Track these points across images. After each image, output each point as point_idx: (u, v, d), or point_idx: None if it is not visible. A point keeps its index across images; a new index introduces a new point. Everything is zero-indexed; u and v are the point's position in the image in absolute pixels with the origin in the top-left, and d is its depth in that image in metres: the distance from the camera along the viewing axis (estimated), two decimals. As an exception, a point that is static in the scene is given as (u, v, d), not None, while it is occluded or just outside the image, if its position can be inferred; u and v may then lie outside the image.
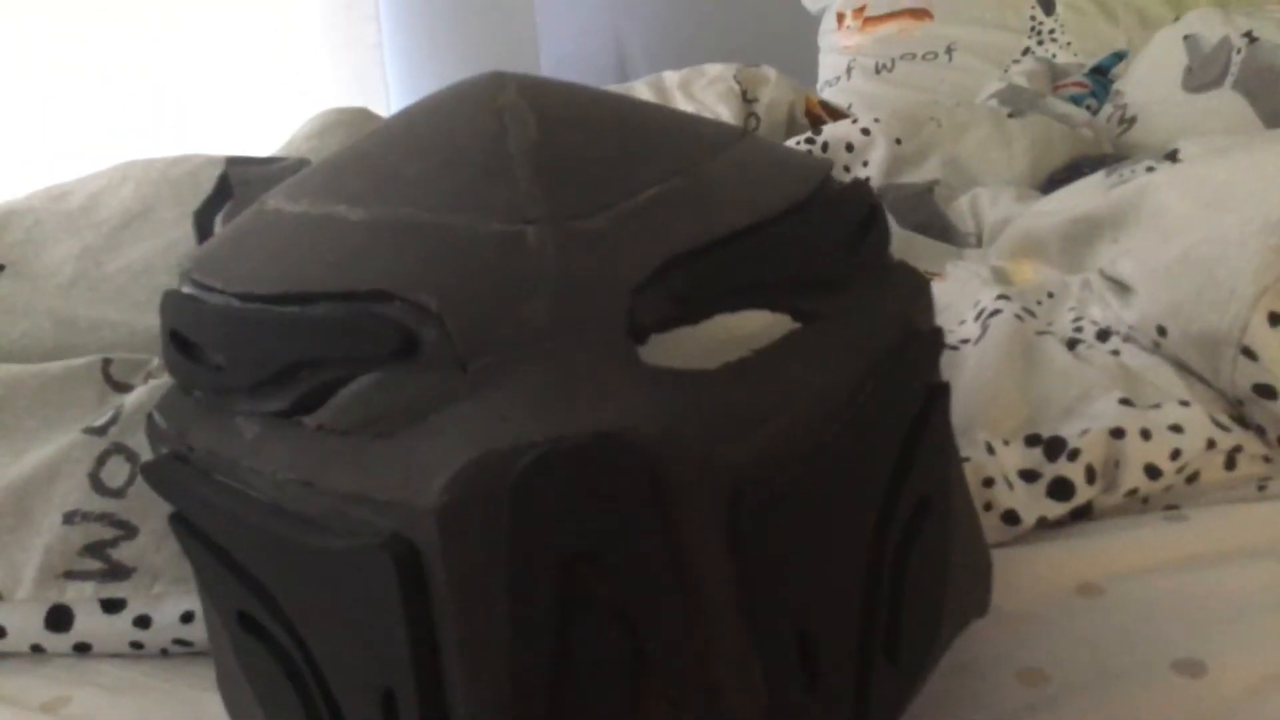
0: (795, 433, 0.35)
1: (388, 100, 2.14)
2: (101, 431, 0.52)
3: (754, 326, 0.40)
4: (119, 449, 0.51)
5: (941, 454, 0.41)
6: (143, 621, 0.49)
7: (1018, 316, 0.70)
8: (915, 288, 0.43)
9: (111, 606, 0.49)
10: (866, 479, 0.37)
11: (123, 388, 0.55)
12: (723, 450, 0.32)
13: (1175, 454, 0.58)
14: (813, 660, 0.34)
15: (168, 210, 0.64)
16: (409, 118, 0.44)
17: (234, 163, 0.69)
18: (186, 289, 0.40)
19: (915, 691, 0.39)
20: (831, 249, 0.41)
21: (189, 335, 0.39)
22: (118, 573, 0.49)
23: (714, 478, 0.32)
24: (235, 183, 0.67)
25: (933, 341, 0.42)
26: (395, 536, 0.32)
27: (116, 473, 0.51)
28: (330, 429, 0.36)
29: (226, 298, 0.38)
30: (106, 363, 0.56)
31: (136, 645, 0.50)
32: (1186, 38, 1.24)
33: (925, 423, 0.39)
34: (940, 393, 0.41)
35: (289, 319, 0.36)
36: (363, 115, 0.85)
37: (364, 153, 0.43)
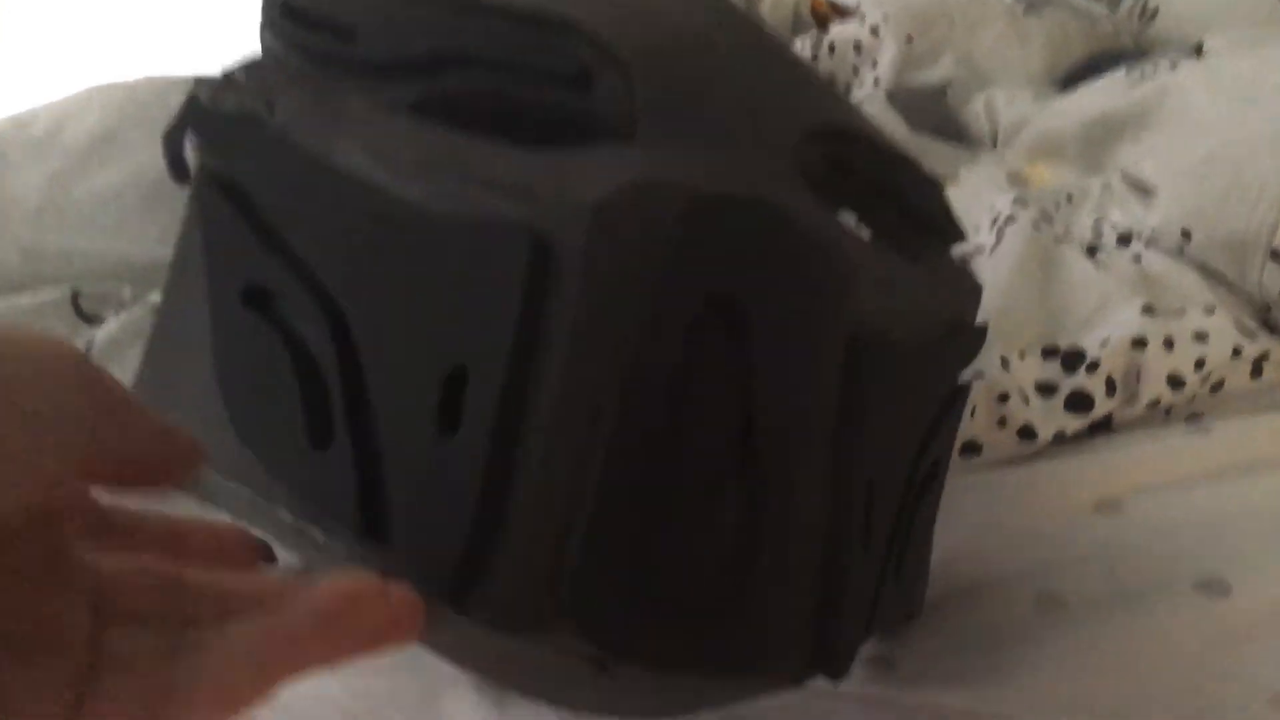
0: (907, 319, 0.35)
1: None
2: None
3: None
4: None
5: (950, 442, 0.42)
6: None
7: (1034, 223, 0.67)
8: (971, 289, 0.44)
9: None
10: (926, 403, 0.38)
11: (93, 320, 0.53)
12: (864, 284, 0.32)
13: (1200, 363, 0.56)
14: (871, 515, 0.34)
15: (135, 133, 0.61)
16: None
17: (201, 83, 0.66)
18: None
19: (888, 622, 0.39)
20: (936, 203, 0.42)
21: None
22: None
23: (851, 289, 0.32)
24: (204, 103, 0.64)
25: (978, 338, 0.43)
26: (534, 223, 0.29)
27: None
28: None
29: None
30: (76, 295, 0.54)
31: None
32: (1212, -78, 1.18)
33: (953, 405, 0.41)
34: (964, 392, 0.42)
35: (458, 4, 0.33)
36: None
37: None
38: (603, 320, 0.29)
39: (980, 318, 0.60)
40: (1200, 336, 0.57)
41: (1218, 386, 0.57)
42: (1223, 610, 0.43)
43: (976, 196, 0.75)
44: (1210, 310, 0.58)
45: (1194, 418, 0.56)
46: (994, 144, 0.94)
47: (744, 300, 0.29)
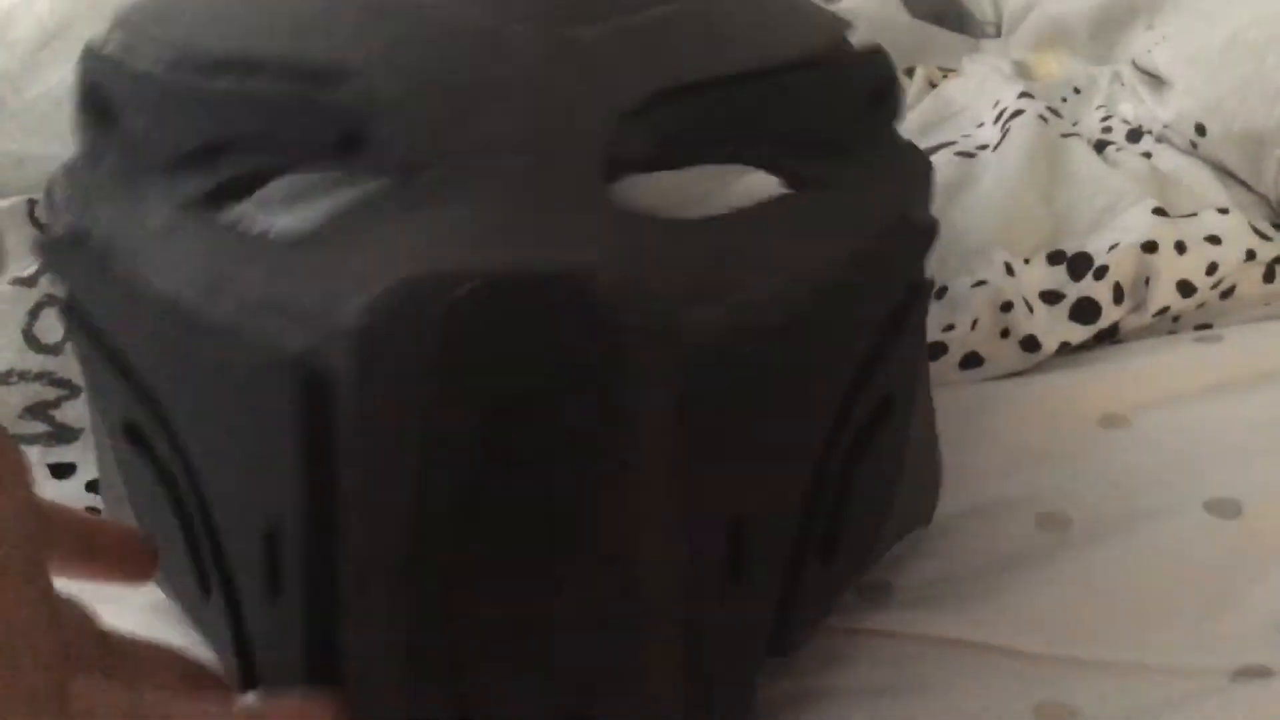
0: (766, 304, 0.31)
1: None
2: (31, 282, 0.48)
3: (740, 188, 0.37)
4: (53, 300, 0.47)
5: (913, 356, 0.38)
6: (96, 486, 0.46)
7: (1041, 117, 0.63)
8: (918, 173, 0.40)
9: (60, 471, 0.46)
10: (832, 367, 0.34)
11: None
12: (686, 309, 0.29)
13: (1212, 268, 0.54)
14: (742, 549, 0.31)
15: (89, 26, 0.57)
16: None
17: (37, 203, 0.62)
18: (112, 41, 0.36)
19: (842, 593, 0.37)
20: (838, 114, 0.37)
21: (105, 98, 0.35)
22: (63, 435, 0.46)
23: (672, 337, 0.28)
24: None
25: (925, 234, 0.39)
26: (305, 355, 0.28)
27: (52, 327, 0.47)
28: (249, 227, 0.32)
29: (154, 59, 0.33)
30: (32, 204, 0.51)
31: (91, 510, 0.47)
32: None
33: (903, 320, 0.36)
34: (922, 291, 0.38)
35: (219, 92, 0.32)
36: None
37: None
38: (386, 448, 0.27)
39: (984, 220, 0.58)
40: (1213, 239, 0.54)
41: (1228, 292, 0.55)
42: (1234, 531, 0.41)
43: (981, 89, 0.72)
44: (1223, 211, 0.56)
45: (1204, 326, 0.54)
46: (998, 31, 0.90)
47: (534, 393, 0.27)
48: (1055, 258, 0.55)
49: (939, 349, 0.51)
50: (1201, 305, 0.55)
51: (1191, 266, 0.53)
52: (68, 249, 0.34)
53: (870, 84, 0.39)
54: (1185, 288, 0.53)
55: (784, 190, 0.36)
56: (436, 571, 0.27)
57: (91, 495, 0.46)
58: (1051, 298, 0.53)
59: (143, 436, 0.33)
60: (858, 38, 0.42)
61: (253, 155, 0.32)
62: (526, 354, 0.27)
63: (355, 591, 0.28)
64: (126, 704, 0.22)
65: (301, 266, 0.29)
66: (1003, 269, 0.53)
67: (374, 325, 0.27)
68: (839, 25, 0.41)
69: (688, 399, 0.29)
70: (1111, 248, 0.54)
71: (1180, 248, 0.53)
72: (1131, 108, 0.68)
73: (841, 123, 0.37)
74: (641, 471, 0.28)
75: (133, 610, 0.39)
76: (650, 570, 0.28)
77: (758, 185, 0.37)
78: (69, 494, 0.46)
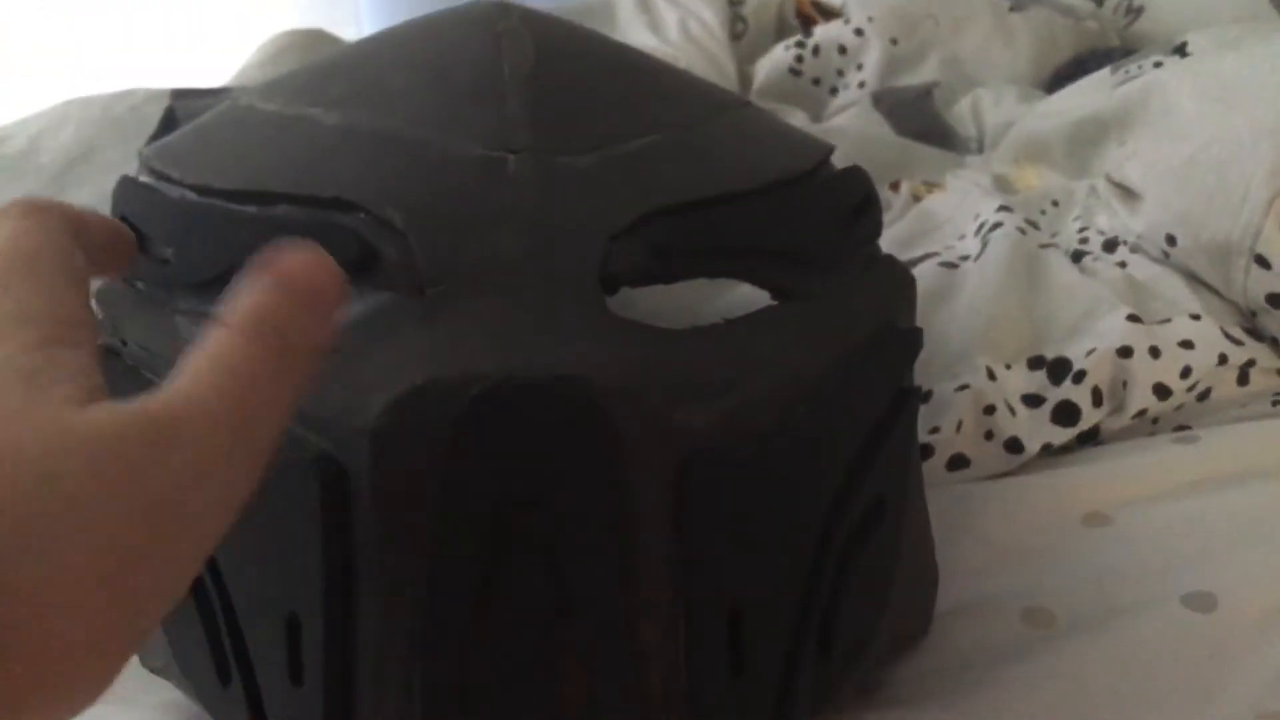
0: (757, 407, 0.33)
1: (357, 12, 2.05)
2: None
3: (731, 300, 0.38)
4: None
5: (903, 459, 0.39)
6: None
7: (1020, 229, 0.66)
8: (900, 283, 0.42)
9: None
10: (824, 468, 0.35)
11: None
12: (680, 412, 0.31)
13: (1186, 371, 0.56)
14: (741, 641, 0.32)
15: (112, 150, 0.60)
16: (401, 31, 0.42)
17: (180, 95, 0.65)
18: (143, 177, 0.39)
19: (842, 688, 0.37)
20: (820, 229, 0.39)
21: (138, 224, 0.37)
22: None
23: (667, 438, 0.30)
24: (181, 116, 0.63)
25: (911, 342, 0.41)
26: (325, 455, 0.30)
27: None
28: None
29: (183, 189, 0.36)
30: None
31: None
32: (1196, -82, 1.17)
33: (892, 423, 0.38)
34: (910, 397, 0.40)
35: (243, 217, 0.35)
36: (318, 37, 0.81)
37: (348, 60, 0.41)
38: (401, 543, 0.29)
39: (966, 327, 0.60)
40: (1186, 344, 0.56)
41: (1205, 395, 0.57)
42: (1210, 623, 0.42)
43: (963, 203, 0.75)
44: (1196, 317, 0.58)
45: (1182, 428, 0.56)
46: (980, 147, 0.94)
47: (537, 491, 0.29)
48: (1035, 363, 0.57)
49: (926, 450, 0.53)
50: (1179, 407, 0.56)
51: (1166, 370, 0.55)
52: (103, 360, 0.36)
53: (851, 201, 0.41)
54: (1161, 390, 0.55)
55: (771, 302, 0.38)
56: (448, 658, 0.29)
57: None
58: (1033, 401, 0.55)
59: None
60: (845, 154, 0.44)
61: None
62: (530, 452, 0.29)
63: (372, 677, 0.29)
64: None
65: (321, 373, 0.31)
66: (985, 373, 0.55)
67: (389, 426, 0.29)
68: (820, 148, 0.43)
69: (684, 496, 0.31)
70: (1089, 353, 0.56)
71: (1155, 352, 0.56)
72: (1106, 219, 0.71)
73: (824, 238, 0.39)
74: (641, 563, 0.30)
75: (143, 709, 0.40)
76: (652, 659, 0.30)
77: (746, 297, 0.40)
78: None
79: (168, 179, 0.37)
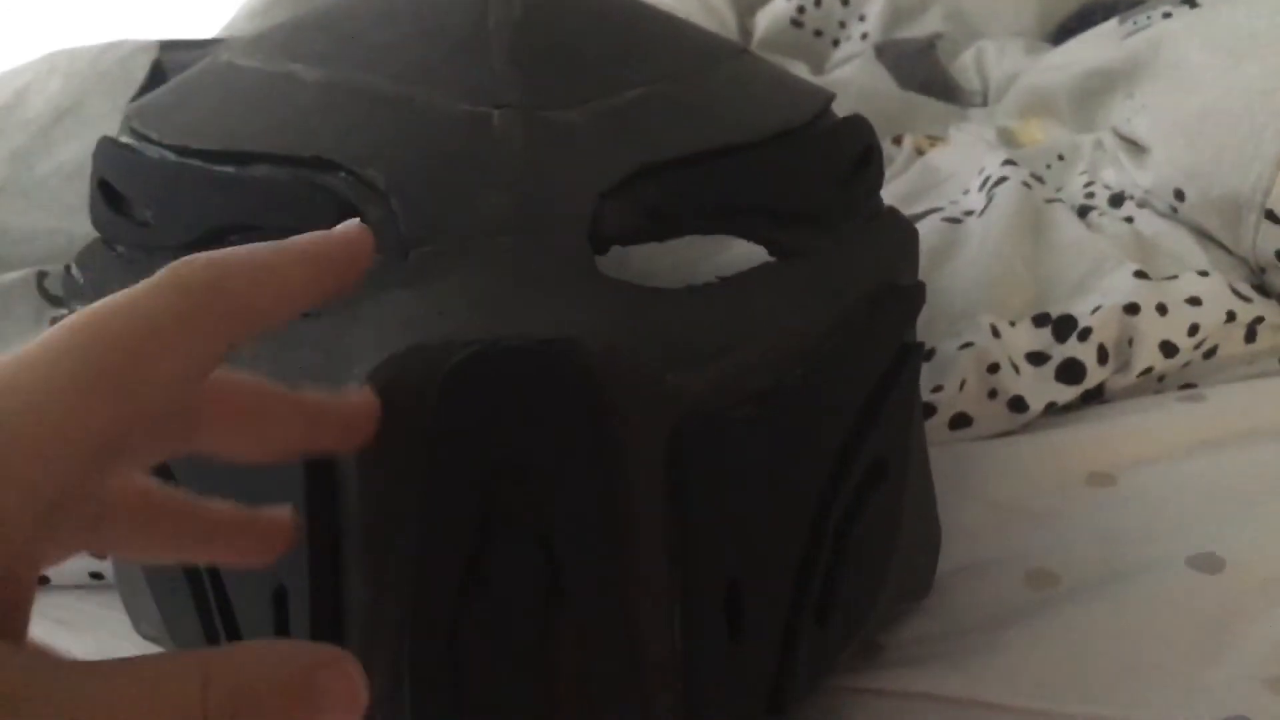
0: (753, 368, 0.32)
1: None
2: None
3: (728, 257, 0.38)
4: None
5: (905, 418, 0.38)
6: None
7: (1025, 184, 0.65)
8: (902, 237, 0.41)
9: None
10: (823, 430, 0.34)
11: (59, 301, 0.52)
12: (673, 375, 0.30)
13: (1193, 329, 0.55)
14: (739, 611, 0.31)
15: (99, 103, 0.59)
16: None
17: (168, 47, 0.64)
18: (124, 137, 0.38)
19: (841, 654, 0.37)
20: (820, 183, 0.38)
21: (118, 186, 0.36)
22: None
23: (660, 403, 0.29)
24: (170, 69, 0.62)
25: (912, 297, 0.40)
26: None
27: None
28: None
29: (162, 150, 0.36)
30: (41, 275, 0.52)
31: (96, 576, 0.47)
32: None
33: (894, 382, 0.37)
34: (912, 353, 0.39)
35: (223, 178, 0.34)
36: (310, -12, 0.79)
37: (330, 14, 0.40)
38: (388, 514, 0.28)
39: (971, 284, 0.59)
40: (1193, 301, 0.56)
41: (1211, 352, 0.56)
42: (1215, 586, 0.42)
43: (967, 157, 0.74)
44: (1204, 273, 0.57)
45: (1188, 386, 0.55)
46: (985, 100, 0.93)
47: (527, 459, 0.28)
48: (1040, 320, 0.56)
49: (929, 410, 0.52)
50: (1185, 365, 0.56)
51: (1173, 327, 0.55)
52: None
53: (852, 152, 0.40)
54: (1168, 348, 0.54)
55: (769, 259, 0.37)
56: (437, 637, 0.28)
57: (96, 559, 0.47)
58: (1037, 359, 0.54)
59: None
60: (848, 107, 0.43)
61: (255, 237, 0.34)
62: (519, 419, 0.28)
63: (361, 655, 0.28)
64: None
65: (306, 339, 0.30)
66: (989, 331, 0.54)
67: (376, 392, 0.28)
68: (820, 96, 0.42)
69: (678, 462, 0.29)
70: (1095, 310, 0.55)
71: (1162, 309, 0.55)
72: (1113, 174, 0.69)
73: (824, 191, 0.38)
74: (635, 531, 0.29)
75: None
76: (648, 632, 0.29)
77: (743, 255, 0.39)
78: (77, 559, 0.46)
79: (148, 139, 0.36)
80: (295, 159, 0.33)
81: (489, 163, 0.32)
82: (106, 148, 0.38)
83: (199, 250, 0.33)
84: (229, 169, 0.34)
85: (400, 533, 0.28)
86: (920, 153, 0.79)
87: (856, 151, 0.40)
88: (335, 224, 0.32)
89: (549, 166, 0.33)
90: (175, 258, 0.34)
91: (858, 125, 0.41)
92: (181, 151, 0.35)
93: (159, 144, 0.36)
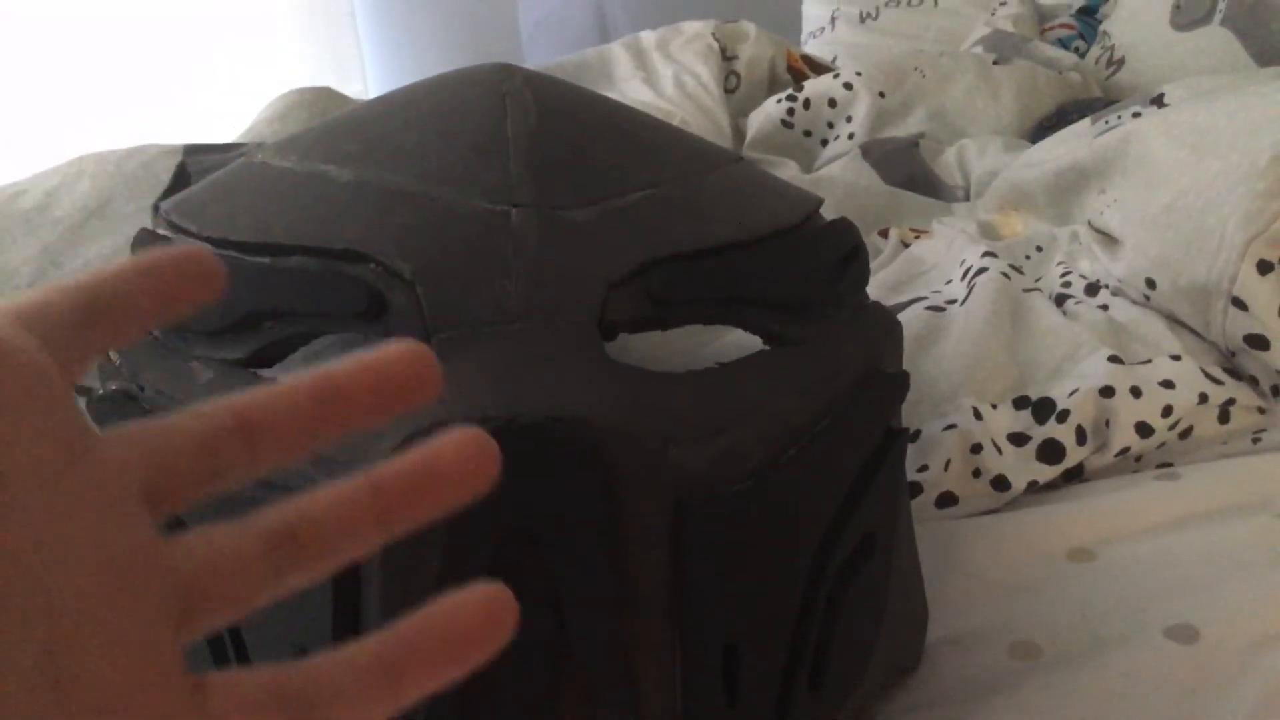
0: (750, 447, 0.34)
1: (363, 69, 2.10)
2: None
3: (724, 345, 0.40)
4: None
5: (892, 498, 0.41)
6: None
7: (1004, 274, 0.68)
8: (886, 328, 0.44)
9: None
10: (814, 506, 0.37)
11: (85, 389, 0.54)
12: (675, 452, 0.32)
13: (1167, 410, 0.57)
14: (735, 674, 0.33)
15: (125, 204, 0.62)
16: (410, 92, 0.45)
17: (191, 151, 0.68)
18: (160, 229, 0.40)
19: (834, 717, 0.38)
20: (810, 278, 0.41)
21: None
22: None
23: (663, 477, 0.32)
24: (193, 171, 0.66)
25: (898, 385, 0.43)
26: None
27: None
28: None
29: (198, 241, 0.38)
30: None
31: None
32: (1173, -26, 1.21)
33: (880, 462, 0.39)
34: (898, 437, 0.41)
35: (258, 268, 0.36)
36: (326, 95, 0.83)
37: (359, 118, 0.43)
38: (407, 577, 0.30)
39: (953, 369, 0.62)
40: (1167, 384, 0.58)
41: (1186, 433, 0.58)
42: (1191, 655, 0.44)
43: (949, 249, 0.77)
44: (1176, 358, 0.60)
45: (1165, 465, 0.57)
46: (966, 195, 0.96)
47: (539, 526, 0.30)
48: (1020, 403, 0.58)
49: (915, 489, 0.54)
50: (1162, 445, 0.58)
51: (1148, 409, 0.57)
52: (120, 404, 0.38)
53: (839, 251, 0.43)
54: (1143, 429, 0.57)
55: (763, 347, 0.40)
56: (450, 691, 0.30)
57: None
58: (1018, 440, 0.57)
59: None
60: (836, 202, 0.46)
61: (287, 323, 0.36)
62: (533, 489, 0.30)
63: None
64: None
65: None
66: (971, 413, 0.57)
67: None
68: (809, 200, 0.45)
69: (679, 533, 0.32)
70: (1072, 393, 0.57)
71: (1136, 392, 0.57)
72: (1088, 264, 0.72)
73: (814, 286, 0.41)
74: (637, 595, 0.31)
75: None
76: (649, 690, 0.31)
77: (739, 342, 0.41)
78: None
79: (186, 232, 0.39)
80: (327, 251, 0.36)
81: (507, 256, 0.35)
82: (145, 239, 0.40)
83: (235, 335, 0.36)
84: (264, 260, 0.36)
85: (417, 591, 0.30)
86: (905, 244, 0.82)
87: (844, 250, 0.43)
88: (359, 313, 0.34)
89: (562, 260, 0.36)
90: (210, 342, 0.37)
91: (845, 227, 0.44)
92: (219, 243, 0.37)
93: (197, 235, 0.38)
